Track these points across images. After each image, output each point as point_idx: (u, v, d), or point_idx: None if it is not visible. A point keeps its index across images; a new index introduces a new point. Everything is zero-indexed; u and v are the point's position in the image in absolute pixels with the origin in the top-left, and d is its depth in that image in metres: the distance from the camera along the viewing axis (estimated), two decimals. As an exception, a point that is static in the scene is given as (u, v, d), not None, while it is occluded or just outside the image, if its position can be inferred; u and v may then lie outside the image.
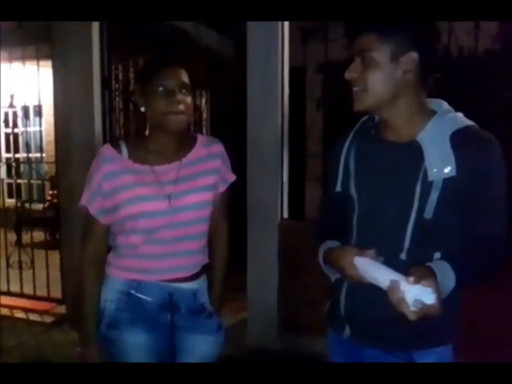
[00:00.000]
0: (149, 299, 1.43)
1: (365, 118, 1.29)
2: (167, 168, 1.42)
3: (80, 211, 1.46)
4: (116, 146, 1.44)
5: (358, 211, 1.23)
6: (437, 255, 1.13)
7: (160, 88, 1.37)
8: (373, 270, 1.06)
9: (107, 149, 1.43)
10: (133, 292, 1.43)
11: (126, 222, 1.40)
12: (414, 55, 1.11)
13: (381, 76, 1.12)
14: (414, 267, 1.01)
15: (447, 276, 1.04)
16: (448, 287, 1.04)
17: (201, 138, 1.52)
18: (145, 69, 1.49)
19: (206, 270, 1.54)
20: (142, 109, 1.42)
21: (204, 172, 1.45)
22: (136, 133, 1.46)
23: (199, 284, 1.50)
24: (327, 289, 1.32)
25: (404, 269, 1.03)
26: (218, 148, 1.52)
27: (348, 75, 1.16)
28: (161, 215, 1.39)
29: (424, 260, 1.09)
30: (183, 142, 1.47)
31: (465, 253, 1.12)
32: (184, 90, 1.39)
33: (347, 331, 1.25)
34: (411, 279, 0.96)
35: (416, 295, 0.95)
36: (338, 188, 1.29)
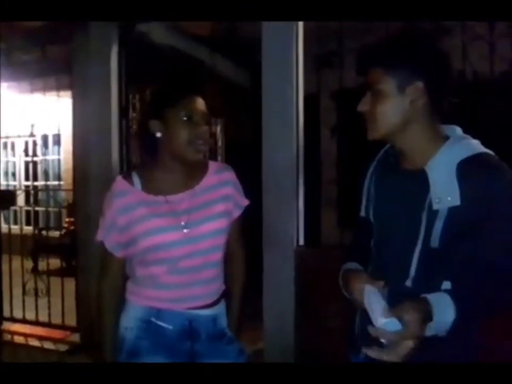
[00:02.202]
0: (169, 327, 1.42)
1: (387, 146, 1.32)
2: (180, 197, 1.43)
3: (97, 244, 1.47)
4: (128, 178, 1.44)
5: (375, 236, 1.27)
6: (446, 284, 1.11)
7: (185, 117, 1.37)
8: (371, 300, 1.08)
9: (119, 183, 1.43)
10: (152, 319, 1.42)
11: (144, 254, 1.40)
12: (420, 84, 1.14)
13: (390, 107, 1.16)
14: (408, 301, 1.02)
15: (446, 308, 1.02)
16: (447, 318, 1.02)
17: (212, 165, 1.52)
18: (167, 94, 1.43)
19: (224, 295, 1.52)
20: (158, 135, 1.40)
21: (216, 200, 1.46)
22: (148, 161, 1.45)
23: (219, 310, 1.48)
24: (345, 316, 1.32)
25: (409, 296, 1.04)
26: (229, 174, 1.52)
27: (360, 108, 1.21)
28: (178, 245, 1.38)
29: (430, 289, 1.08)
30: (196, 170, 1.47)
31: (473, 284, 1.10)
32: (205, 120, 1.41)
33: (362, 353, 1.22)
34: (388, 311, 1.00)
35: (383, 323, 0.99)
36: (362, 213, 1.35)
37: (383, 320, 1.01)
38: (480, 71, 3.37)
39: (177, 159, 1.41)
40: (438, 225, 1.11)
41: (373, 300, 1.08)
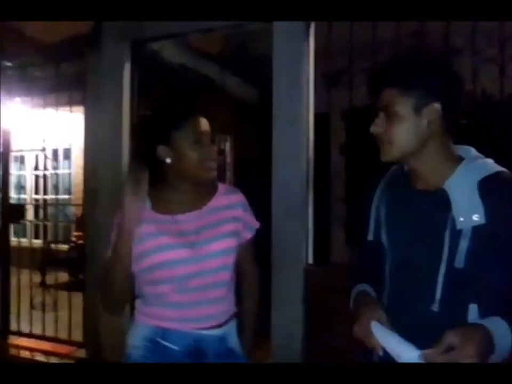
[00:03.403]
0: (175, 347, 1.40)
1: (394, 167, 1.30)
2: (188, 217, 1.42)
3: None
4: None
5: (390, 260, 1.23)
6: (473, 307, 1.09)
7: (193, 140, 1.37)
8: (389, 342, 1.05)
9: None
10: (159, 339, 1.40)
11: (152, 271, 1.39)
12: (437, 105, 1.12)
13: (405, 129, 1.14)
14: (464, 328, 0.98)
15: (505, 333, 0.99)
16: (506, 347, 1.00)
17: (221, 187, 1.52)
18: (170, 118, 1.40)
19: (234, 316, 1.51)
20: (168, 160, 1.38)
21: (224, 220, 1.45)
22: (156, 183, 1.43)
23: (227, 329, 1.47)
24: (353, 337, 1.30)
25: (435, 321, 1.01)
26: (238, 197, 1.52)
27: (373, 130, 1.19)
28: (186, 264, 1.38)
29: (457, 312, 1.07)
30: (204, 191, 1.47)
31: (502, 304, 1.07)
32: (211, 139, 1.41)
33: None
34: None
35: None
36: (370, 237, 1.31)
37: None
38: (489, 92, 3.38)
39: (187, 181, 1.41)
40: (463, 245, 1.08)
41: (390, 341, 1.06)
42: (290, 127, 3.08)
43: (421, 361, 0.98)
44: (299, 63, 3.06)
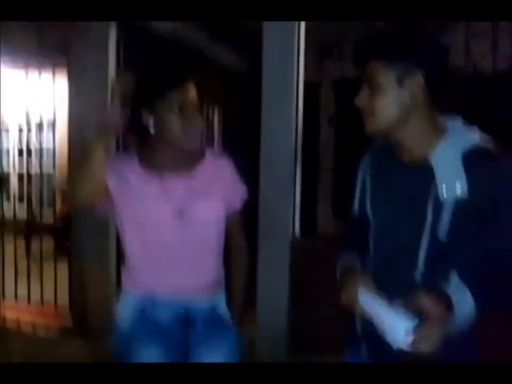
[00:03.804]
0: (165, 316, 1.41)
1: (380, 138, 1.28)
2: (175, 182, 1.41)
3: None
4: (126, 155, 1.47)
5: (374, 230, 1.24)
6: (454, 276, 1.10)
7: (177, 109, 1.34)
8: (376, 309, 1.07)
9: (118, 156, 1.47)
10: (148, 309, 1.41)
11: (138, 231, 1.38)
12: (419, 77, 1.11)
13: (388, 101, 1.13)
14: (426, 293, 1.01)
15: (466, 305, 1.02)
16: (467, 315, 1.02)
17: (210, 153, 1.50)
18: (159, 83, 1.37)
19: (223, 285, 1.52)
20: (150, 125, 1.36)
21: (212, 186, 1.44)
22: (144, 145, 1.42)
23: (216, 297, 1.48)
24: (339, 307, 1.31)
25: (417, 289, 1.02)
26: (226, 163, 1.51)
27: (358, 103, 1.18)
28: (172, 227, 1.37)
29: (438, 280, 1.07)
30: (192, 156, 1.45)
31: (482, 274, 1.10)
32: (198, 109, 1.39)
33: (364, 350, 1.24)
34: (412, 335, 0.99)
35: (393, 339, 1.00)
36: (355, 207, 1.32)
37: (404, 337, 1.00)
38: (481, 66, 3.36)
39: (172, 147, 1.39)
40: (445, 216, 1.09)
41: (374, 306, 1.07)
42: (280, 97, 3.04)
43: (405, 329, 1.00)
44: (290, 32, 3.01)
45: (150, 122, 1.36)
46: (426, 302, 0.99)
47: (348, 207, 1.35)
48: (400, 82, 1.11)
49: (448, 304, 1.00)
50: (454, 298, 1.01)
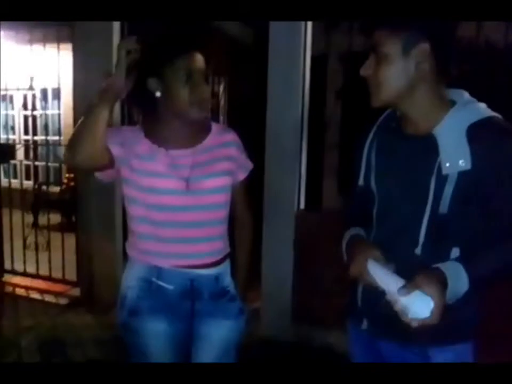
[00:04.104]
0: (170, 287, 1.42)
1: (387, 111, 1.28)
2: (182, 153, 1.41)
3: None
4: (131, 129, 1.46)
5: (377, 204, 1.24)
6: (455, 250, 1.11)
7: (184, 76, 1.33)
8: (380, 275, 1.08)
9: (123, 129, 1.46)
10: (154, 279, 1.42)
11: (143, 197, 1.38)
12: (425, 46, 1.09)
13: (394, 70, 1.11)
14: (422, 271, 1.03)
15: (460, 278, 1.04)
16: (460, 289, 1.04)
17: (215, 126, 1.50)
18: (164, 51, 1.37)
19: (228, 256, 1.53)
20: (158, 94, 1.36)
21: (219, 159, 1.44)
22: (149, 118, 1.41)
23: (221, 269, 1.49)
24: (342, 281, 1.32)
25: (419, 264, 1.04)
26: (232, 136, 1.51)
27: (363, 72, 1.16)
28: (178, 195, 1.37)
29: (440, 256, 1.08)
30: (199, 129, 1.45)
31: (484, 250, 1.10)
32: (205, 78, 1.37)
33: (364, 324, 1.26)
34: (405, 288, 1.01)
35: (413, 313, 1.00)
36: (360, 181, 1.31)
37: (396, 293, 1.02)
38: (491, 38, 3.28)
39: (178, 117, 1.39)
40: (448, 190, 1.09)
41: (381, 274, 1.08)
42: (286, 70, 3.00)
43: (393, 299, 1.02)
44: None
45: (157, 90, 1.36)
46: (421, 281, 1.01)
47: (353, 182, 1.34)
48: (406, 52, 1.09)
49: (442, 281, 1.02)
50: (448, 274, 1.03)
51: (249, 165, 1.55)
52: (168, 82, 1.34)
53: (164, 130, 1.41)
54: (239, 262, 1.59)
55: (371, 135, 1.28)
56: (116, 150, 1.36)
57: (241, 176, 1.52)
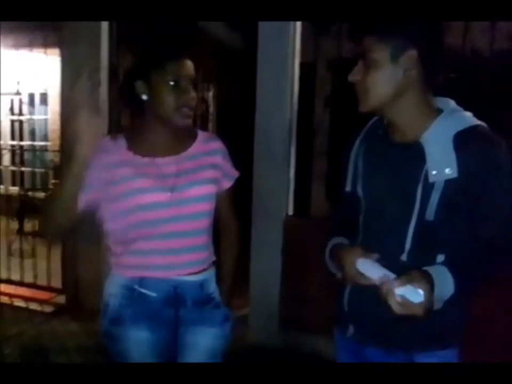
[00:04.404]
0: (153, 294, 1.39)
1: (375, 118, 1.28)
2: (167, 161, 1.39)
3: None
4: (114, 138, 1.41)
5: (364, 211, 1.24)
6: (440, 257, 1.12)
7: (172, 81, 1.32)
8: (371, 269, 1.08)
9: (105, 142, 1.40)
10: (136, 287, 1.39)
11: (126, 216, 1.35)
12: (414, 53, 1.09)
13: (382, 76, 1.12)
14: (413, 270, 1.03)
15: (446, 282, 1.04)
16: (446, 292, 1.04)
17: (201, 134, 1.49)
18: (153, 55, 1.37)
19: (213, 264, 1.51)
20: (144, 97, 1.35)
21: (203, 166, 1.43)
22: (135, 123, 1.40)
23: (206, 275, 1.47)
24: (330, 287, 1.31)
25: (405, 270, 1.03)
26: (218, 144, 1.49)
27: (351, 78, 1.16)
28: (163, 207, 1.35)
29: (426, 262, 1.08)
30: (184, 136, 1.44)
31: (469, 256, 1.11)
32: (193, 85, 1.36)
33: (351, 330, 1.25)
34: (403, 278, 1.01)
35: (403, 290, 1.00)
36: (347, 188, 1.31)
37: (387, 274, 1.03)
38: (478, 46, 3.32)
39: (163, 123, 1.37)
40: (434, 198, 1.09)
41: (370, 269, 1.07)
42: (275, 76, 3.00)
43: (383, 278, 1.03)
44: (286, 8, 2.95)
45: (144, 93, 1.35)
46: (415, 276, 1.01)
47: (340, 188, 1.34)
48: (394, 58, 1.10)
49: (430, 283, 1.02)
50: (434, 276, 1.03)
51: (235, 173, 1.53)
52: (156, 87, 1.33)
53: (148, 137, 1.40)
54: (224, 269, 1.57)
55: (358, 142, 1.28)
56: (100, 175, 1.34)
57: (226, 184, 1.51)
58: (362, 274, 1.09)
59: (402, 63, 1.10)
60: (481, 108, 1.28)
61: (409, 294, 0.99)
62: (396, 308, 1.00)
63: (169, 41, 1.39)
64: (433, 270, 1.05)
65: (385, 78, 1.11)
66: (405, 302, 0.99)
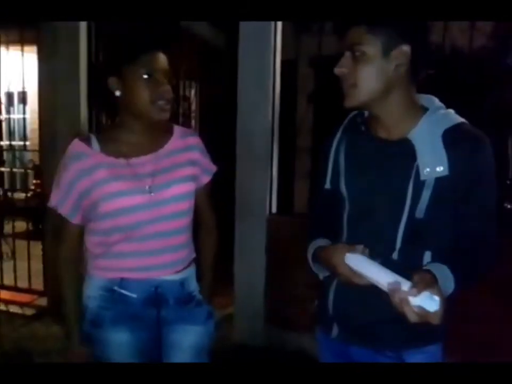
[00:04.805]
0: (133, 295, 1.37)
1: (353, 113, 1.25)
2: (143, 160, 1.36)
3: (50, 211, 1.39)
4: (85, 141, 1.35)
5: (349, 209, 1.20)
6: (427, 254, 1.11)
7: (145, 75, 1.28)
8: (369, 269, 1.03)
9: (76, 145, 1.35)
10: (116, 288, 1.36)
11: (105, 220, 1.32)
12: (406, 48, 1.07)
13: (372, 71, 1.08)
14: (416, 273, 0.98)
15: (447, 280, 1.02)
16: (448, 290, 1.02)
17: (177, 130, 1.46)
18: (124, 49, 1.32)
19: (193, 261, 1.49)
20: (117, 93, 1.31)
21: (182, 163, 1.40)
22: (107, 123, 1.36)
23: (186, 274, 1.45)
24: (315, 286, 1.30)
25: (395, 268, 1.01)
26: (195, 140, 1.47)
27: (337, 70, 1.12)
28: (142, 210, 1.32)
29: (414, 259, 1.08)
30: (160, 133, 1.40)
31: (458, 253, 1.10)
32: (168, 78, 1.33)
33: (335, 330, 1.23)
34: (416, 288, 0.94)
35: (420, 301, 0.94)
36: (327, 185, 1.26)
37: (397, 281, 0.96)
38: (458, 44, 3.36)
39: (139, 120, 1.34)
40: (425, 195, 1.08)
41: (366, 267, 1.03)
42: (256, 73, 2.99)
43: (393, 287, 0.97)
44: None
45: (117, 89, 1.31)
46: (418, 277, 0.97)
47: (319, 185, 1.30)
48: (386, 52, 1.06)
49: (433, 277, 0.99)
50: (438, 275, 1.01)
51: (213, 168, 1.51)
52: (129, 81, 1.29)
53: (122, 137, 1.36)
54: (205, 267, 1.55)
55: (337, 138, 1.25)
56: (70, 205, 1.36)
57: (205, 179, 1.48)
58: (356, 273, 1.05)
59: (394, 58, 1.07)
60: (465, 104, 1.28)
61: (427, 304, 0.93)
62: (412, 318, 0.94)
63: (141, 34, 1.34)
64: (435, 269, 1.02)
65: (375, 73, 1.08)
66: (422, 312, 0.94)
